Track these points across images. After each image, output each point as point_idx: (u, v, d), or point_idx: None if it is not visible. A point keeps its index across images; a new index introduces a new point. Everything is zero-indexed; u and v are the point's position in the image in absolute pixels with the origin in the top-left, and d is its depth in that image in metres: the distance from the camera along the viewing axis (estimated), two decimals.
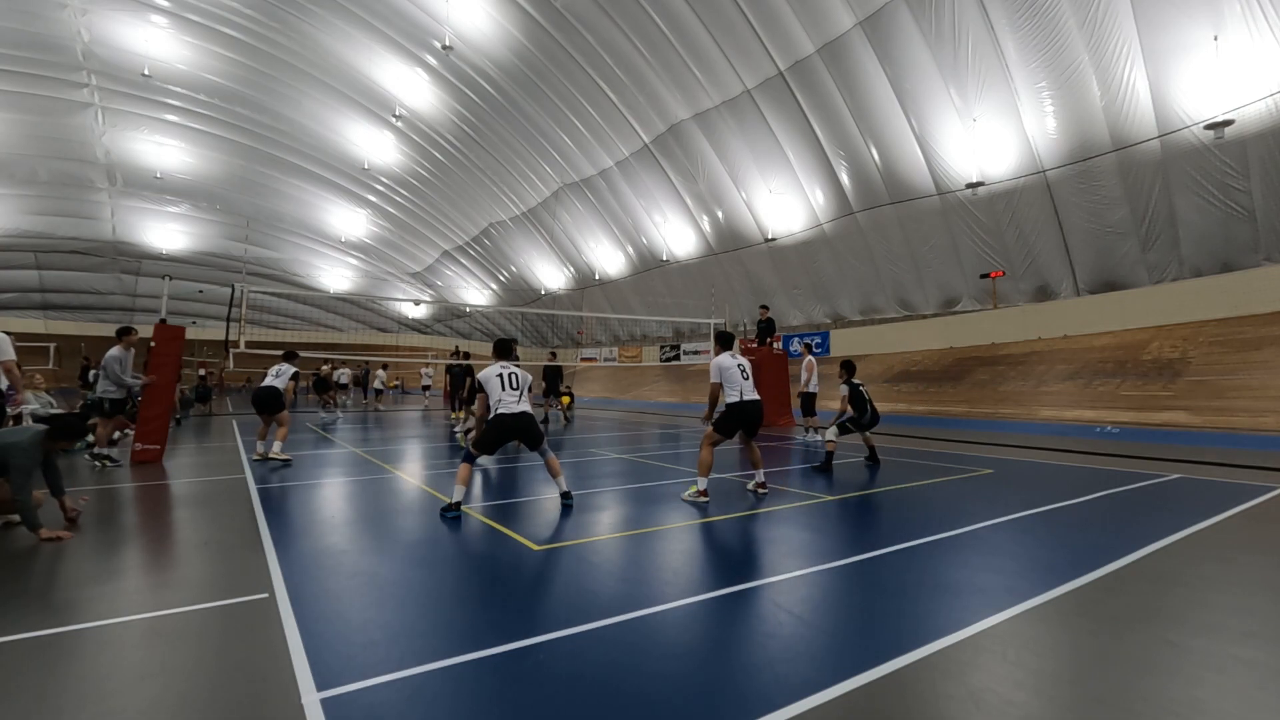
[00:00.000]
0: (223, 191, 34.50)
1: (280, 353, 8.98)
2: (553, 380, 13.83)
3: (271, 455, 7.81)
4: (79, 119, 27.68)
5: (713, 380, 5.89)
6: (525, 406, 5.42)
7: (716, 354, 6.10)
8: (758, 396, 5.86)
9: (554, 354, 15.57)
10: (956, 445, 9.96)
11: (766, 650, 2.53)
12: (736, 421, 5.75)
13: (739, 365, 5.84)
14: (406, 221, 36.81)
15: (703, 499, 5.55)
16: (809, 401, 11.50)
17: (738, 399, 5.74)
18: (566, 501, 5.37)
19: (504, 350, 5.82)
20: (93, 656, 2.48)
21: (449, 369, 12.01)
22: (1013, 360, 15.83)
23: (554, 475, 5.43)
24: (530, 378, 5.75)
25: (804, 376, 11.57)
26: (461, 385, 11.91)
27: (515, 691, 2.19)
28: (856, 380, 7.88)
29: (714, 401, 5.91)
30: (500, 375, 5.36)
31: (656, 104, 21.22)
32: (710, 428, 5.87)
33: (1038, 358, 15.33)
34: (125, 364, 7.63)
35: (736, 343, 6.18)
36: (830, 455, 7.44)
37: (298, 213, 37.17)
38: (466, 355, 13.26)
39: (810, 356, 11.79)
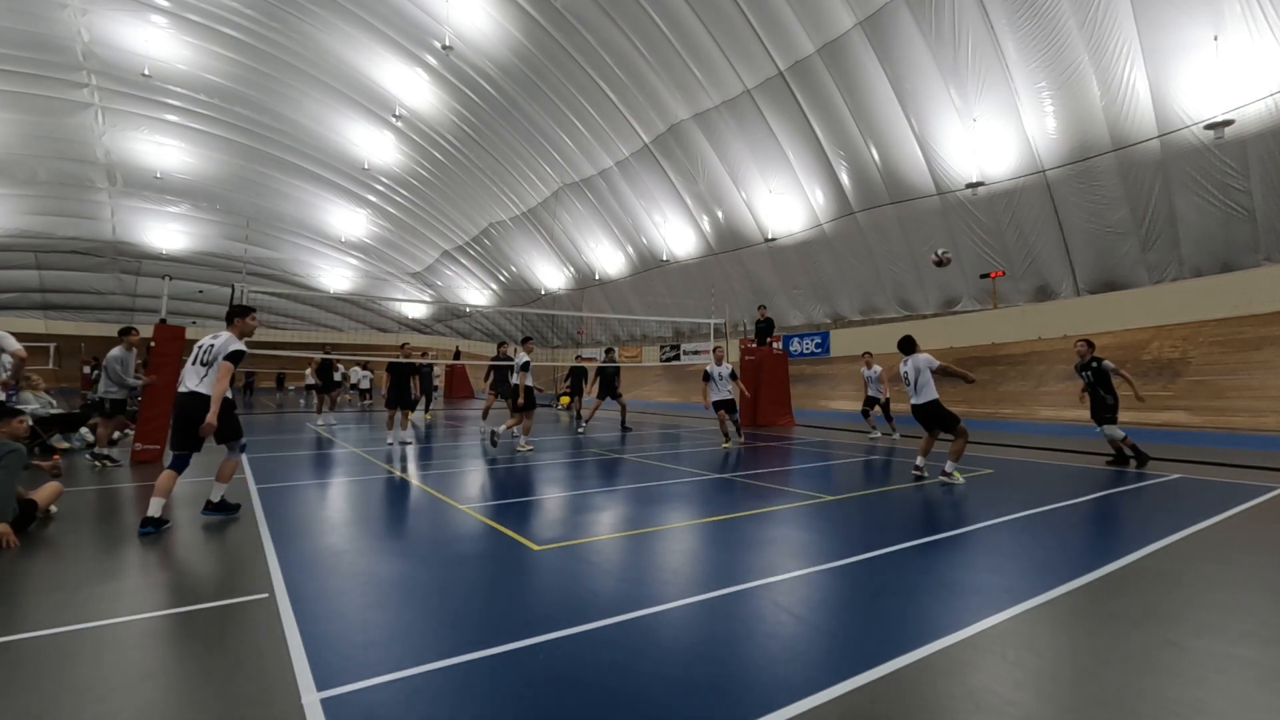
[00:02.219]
0: (223, 191, 34.49)
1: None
2: (609, 381, 13.05)
3: (519, 448, 8.79)
4: (79, 119, 27.67)
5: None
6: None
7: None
8: (922, 400, 6.57)
9: (611, 351, 15.01)
10: None
11: (766, 650, 2.53)
12: (918, 420, 6.71)
13: (904, 373, 6.76)
14: (406, 221, 36.81)
15: (914, 471, 6.69)
16: (885, 406, 11.59)
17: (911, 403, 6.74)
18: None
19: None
20: (93, 656, 2.48)
21: (390, 367, 10.79)
22: (1013, 360, 15.83)
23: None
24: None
25: (874, 387, 11.54)
26: (405, 386, 10.50)
27: (515, 691, 2.19)
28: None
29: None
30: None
31: (656, 104, 21.22)
32: None
33: (1038, 358, 15.33)
34: (127, 364, 7.63)
35: (914, 347, 6.84)
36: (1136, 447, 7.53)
37: (298, 213, 37.16)
38: (424, 354, 11.84)
39: (878, 367, 11.66)
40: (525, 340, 9.90)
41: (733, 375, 10.41)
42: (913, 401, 6.63)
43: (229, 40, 23.94)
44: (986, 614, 2.86)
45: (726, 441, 9.86)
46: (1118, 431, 7.46)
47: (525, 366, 9.34)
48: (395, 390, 10.49)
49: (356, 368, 23.41)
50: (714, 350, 10.77)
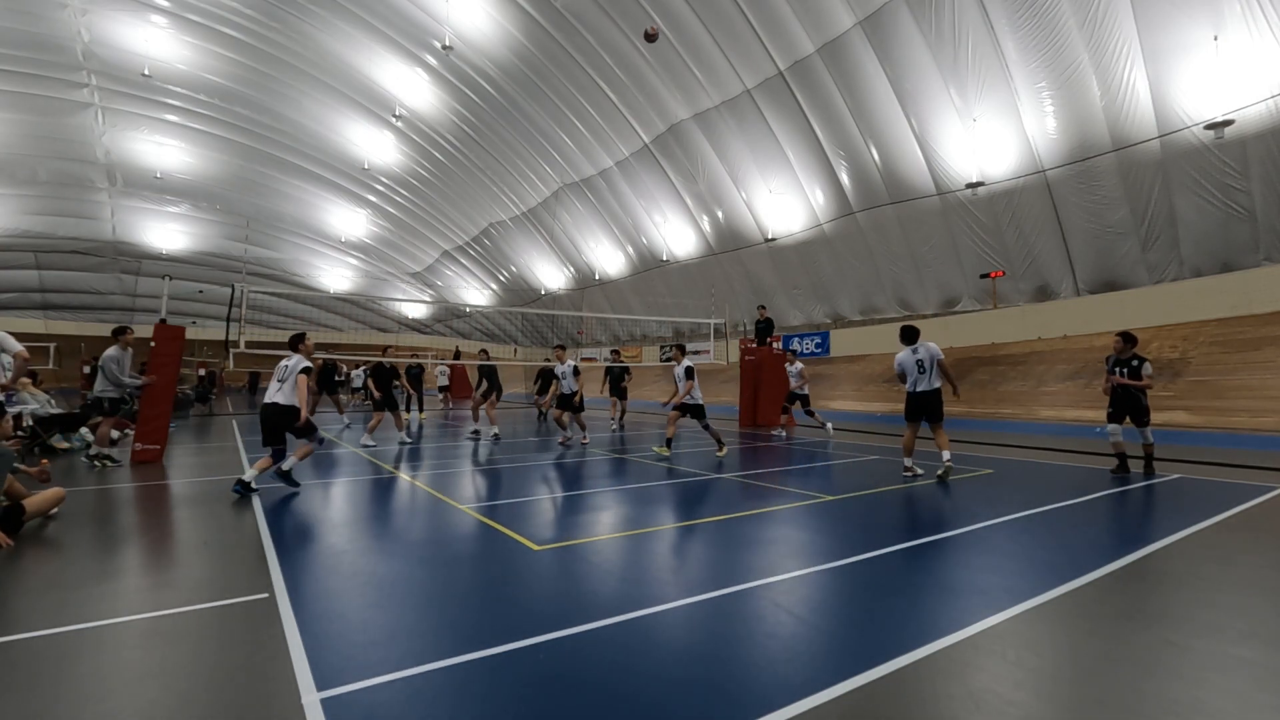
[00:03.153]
0: (223, 191, 34.48)
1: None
2: (616, 380, 13.75)
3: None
4: (79, 119, 27.66)
5: (897, 372, 6.91)
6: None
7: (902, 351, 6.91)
8: (932, 387, 6.69)
9: (617, 353, 15.40)
10: (956, 445, 9.94)
11: (766, 650, 2.53)
12: (913, 409, 6.79)
13: (918, 360, 6.71)
14: (406, 221, 36.80)
15: (905, 473, 6.70)
16: (799, 400, 12.17)
17: (912, 390, 6.76)
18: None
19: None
20: (93, 656, 2.48)
21: (374, 370, 10.73)
22: (1013, 360, 15.83)
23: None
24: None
25: (796, 381, 12.21)
26: (388, 390, 10.51)
27: (515, 691, 2.19)
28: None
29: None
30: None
31: (656, 104, 21.21)
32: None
33: (1038, 358, 15.33)
34: (123, 364, 7.63)
35: (920, 337, 6.90)
36: (1125, 458, 6.94)
37: (298, 213, 37.14)
38: (413, 355, 11.92)
39: (799, 364, 12.33)
40: (557, 347, 10.76)
41: (689, 374, 9.10)
42: (921, 388, 6.67)
43: (229, 40, 23.92)
44: (986, 614, 2.86)
45: (720, 449, 8.65)
46: (1149, 435, 6.91)
47: (560, 373, 10.06)
48: (381, 394, 10.50)
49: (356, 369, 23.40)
50: (673, 349, 9.96)
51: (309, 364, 6.03)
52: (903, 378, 6.88)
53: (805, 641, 2.63)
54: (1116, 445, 7.01)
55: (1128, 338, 7.04)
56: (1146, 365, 6.92)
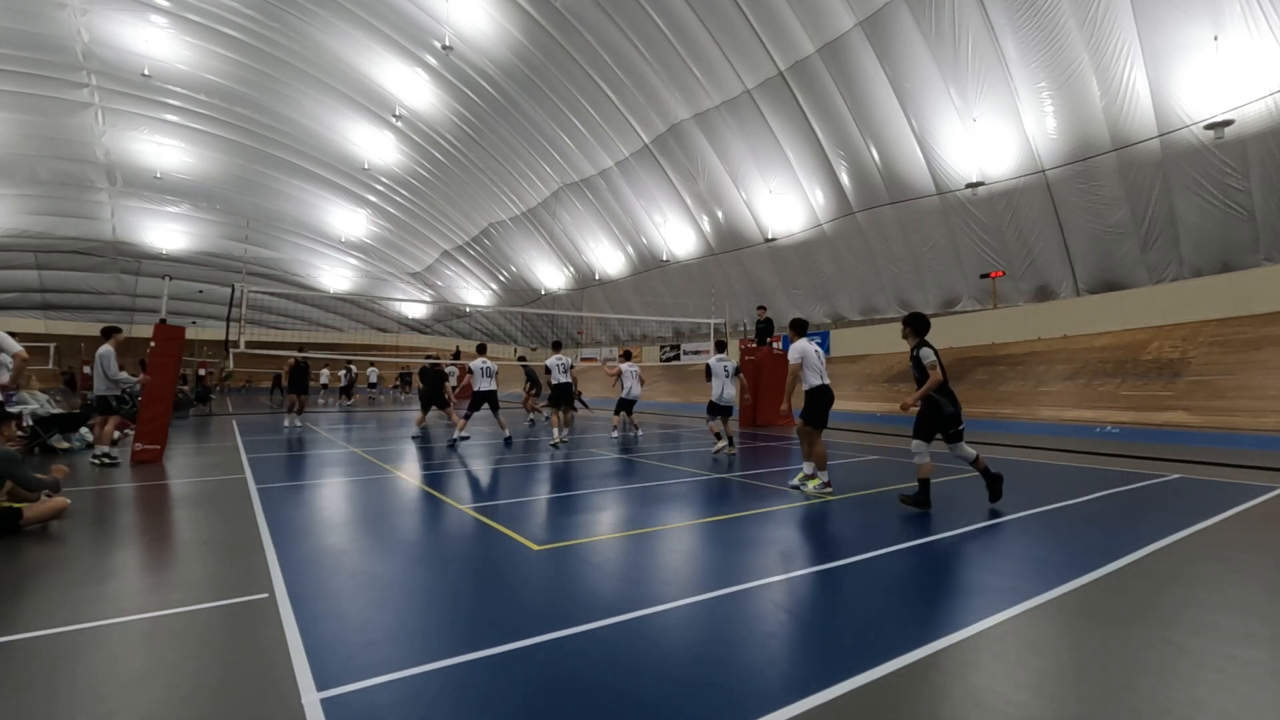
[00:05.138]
0: (223, 191, 34.48)
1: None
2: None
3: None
4: (79, 119, 27.66)
5: (793, 361, 5.93)
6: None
7: (793, 339, 6.18)
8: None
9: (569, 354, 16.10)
10: None
11: (766, 650, 2.53)
12: (825, 406, 5.94)
13: (816, 351, 6.03)
14: (406, 221, 36.80)
15: (828, 490, 5.80)
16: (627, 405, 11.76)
17: (819, 383, 5.95)
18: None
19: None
20: (92, 656, 2.48)
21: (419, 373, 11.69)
22: (1013, 360, 15.82)
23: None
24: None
25: (628, 384, 11.72)
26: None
27: (515, 692, 2.19)
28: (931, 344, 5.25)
29: (792, 387, 5.93)
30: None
31: (656, 104, 21.21)
32: (801, 422, 5.99)
33: (1038, 358, 15.32)
34: (115, 362, 7.63)
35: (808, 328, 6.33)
36: (927, 484, 5.10)
37: (298, 213, 37.14)
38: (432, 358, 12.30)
39: (631, 364, 11.93)
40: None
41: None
42: (828, 382, 5.98)
43: (229, 40, 23.93)
44: (986, 614, 2.86)
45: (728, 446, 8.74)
46: (969, 450, 5.19)
47: (566, 368, 10.59)
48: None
49: (365, 367, 25.35)
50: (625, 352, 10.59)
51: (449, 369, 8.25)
52: (801, 368, 5.91)
53: (805, 641, 2.63)
54: (922, 469, 5.13)
55: (909, 320, 5.37)
56: (925, 351, 5.12)
